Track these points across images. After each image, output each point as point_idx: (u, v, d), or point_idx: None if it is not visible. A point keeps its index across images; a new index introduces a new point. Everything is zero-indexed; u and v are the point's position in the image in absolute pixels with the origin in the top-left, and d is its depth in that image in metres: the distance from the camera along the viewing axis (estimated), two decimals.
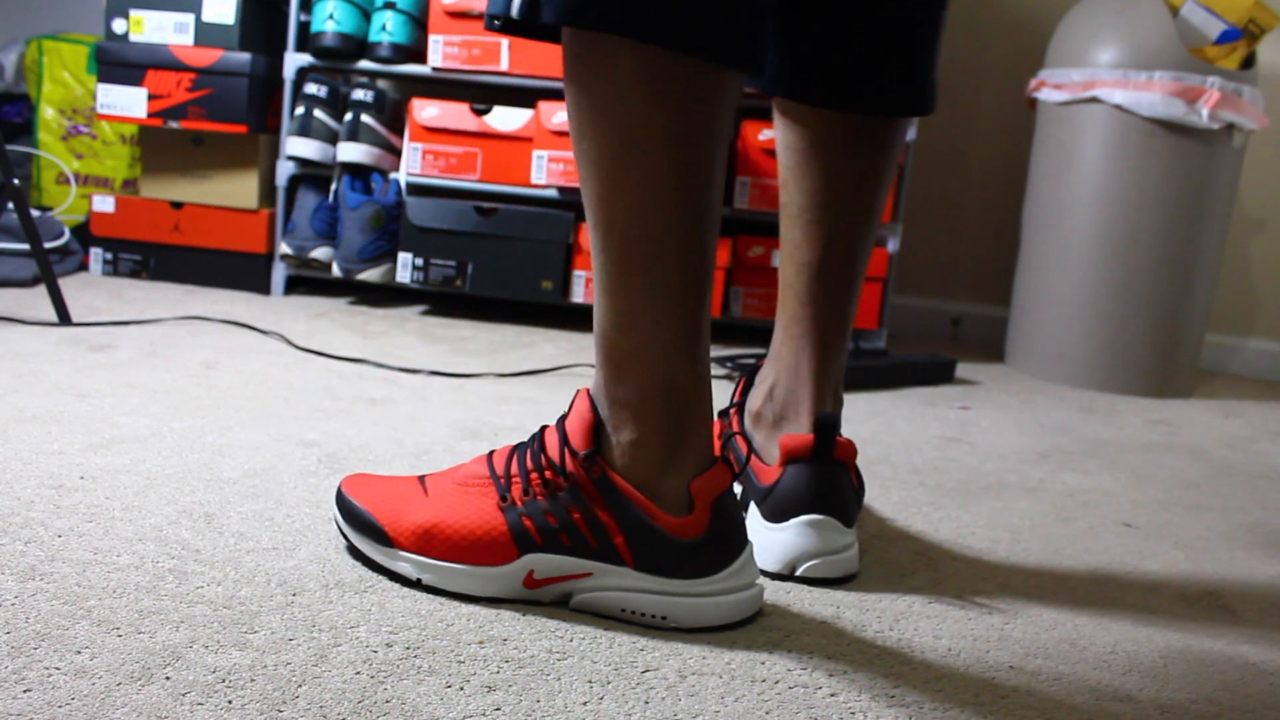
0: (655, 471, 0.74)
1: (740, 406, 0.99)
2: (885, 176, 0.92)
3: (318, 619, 0.71)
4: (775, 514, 0.87)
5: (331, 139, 2.04)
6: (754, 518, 0.90)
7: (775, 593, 0.84)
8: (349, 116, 2.00)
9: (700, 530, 0.74)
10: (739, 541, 0.77)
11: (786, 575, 0.86)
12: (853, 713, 0.66)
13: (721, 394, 1.56)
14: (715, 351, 1.91)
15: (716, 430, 1.07)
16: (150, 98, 2.00)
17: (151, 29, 2.01)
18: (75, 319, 1.63)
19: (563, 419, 0.77)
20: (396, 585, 0.78)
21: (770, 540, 0.87)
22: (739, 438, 0.96)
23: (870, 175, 0.91)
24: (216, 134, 2.06)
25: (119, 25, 2.02)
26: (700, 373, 0.75)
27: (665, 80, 0.68)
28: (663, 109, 0.68)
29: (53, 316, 1.64)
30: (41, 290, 1.86)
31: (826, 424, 0.87)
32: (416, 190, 2.05)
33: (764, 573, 0.87)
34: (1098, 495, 1.21)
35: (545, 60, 1.93)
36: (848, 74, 0.88)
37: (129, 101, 2.01)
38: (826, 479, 0.87)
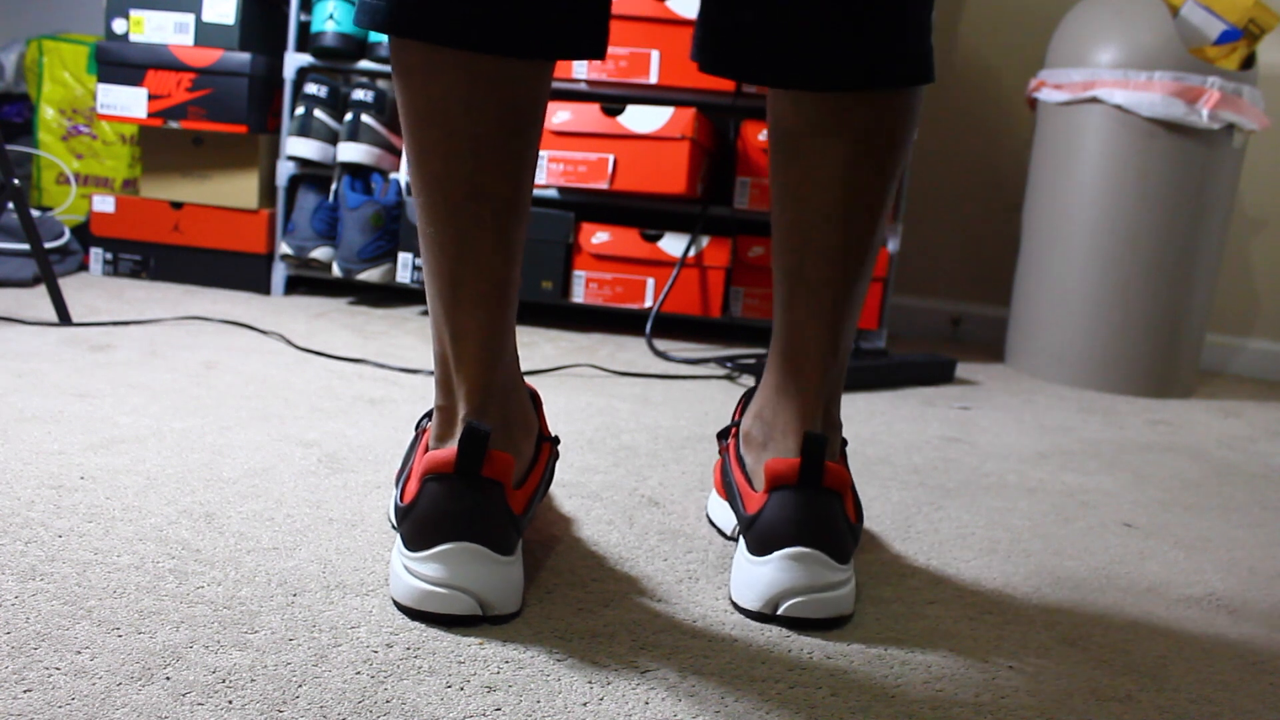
0: (433, 439, 0.80)
1: (738, 426, 0.91)
2: (873, 168, 0.80)
3: (318, 619, 0.71)
4: (758, 546, 0.79)
5: (331, 139, 2.04)
6: (739, 549, 0.82)
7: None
8: (349, 116, 2.00)
9: (407, 499, 0.75)
10: (436, 532, 0.72)
11: (769, 615, 0.78)
12: (853, 712, 0.66)
13: (726, 395, 1.56)
14: (715, 352, 1.91)
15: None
16: (150, 98, 2.00)
17: (151, 29, 2.01)
18: (75, 319, 1.63)
19: None
20: None
21: (752, 575, 0.79)
22: (733, 461, 0.88)
23: (853, 166, 0.80)
24: (216, 134, 2.06)
25: (119, 25, 2.02)
26: (459, 341, 0.77)
27: (398, 60, 0.74)
28: (402, 90, 0.75)
29: (53, 316, 1.64)
30: (41, 290, 1.86)
31: (812, 446, 0.78)
32: None
33: (745, 611, 0.79)
34: (1098, 495, 1.21)
35: None
36: (779, 43, 0.78)
37: (129, 101, 2.01)
38: (814, 508, 0.78)
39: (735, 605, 0.80)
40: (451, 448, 0.74)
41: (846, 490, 0.80)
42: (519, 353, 1.73)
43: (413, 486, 0.75)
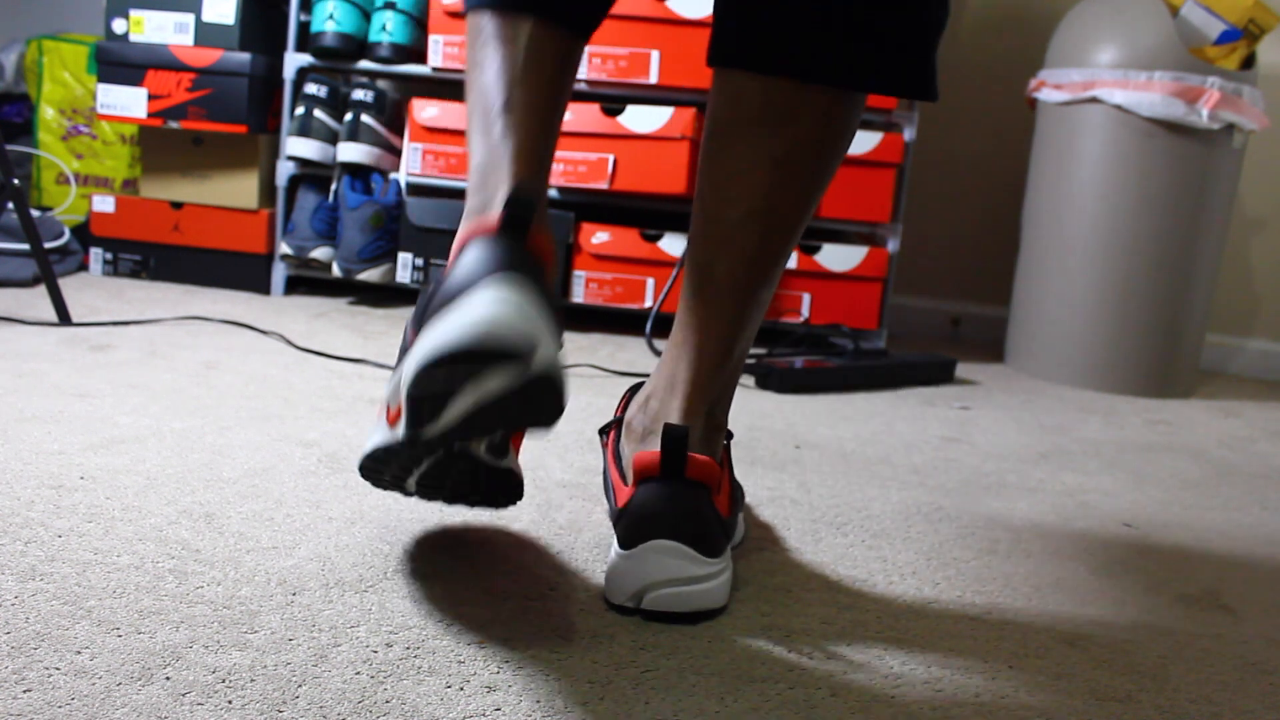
0: (468, 215, 0.82)
1: (620, 422, 0.89)
2: (803, 171, 0.81)
3: (318, 619, 0.71)
4: (626, 539, 0.77)
5: (331, 139, 2.04)
6: (614, 544, 0.80)
7: (771, 594, 0.84)
8: (349, 116, 2.00)
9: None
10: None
11: (633, 608, 0.76)
12: (853, 712, 0.66)
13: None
14: None
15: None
16: (150, 98, 2.00)
17: (151, 29, 2.01)
18: (75, 319, 1.63)
19: None
20: (397, 585, 0.78)
21: (620, 568, 0.77)
22: (609, 456, 0.87)
23: (785, 166, 0.80)
24: (216, 134, 2.06)
25: (119, 25, 2.02)
26: (511, 114, 0.80)
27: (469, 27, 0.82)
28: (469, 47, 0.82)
29: (53, 316, 1.64)
30: (41, 290, 1.86)
31: (672, 438, 0.76)
32: (416, 190, 2.05)
33: (612, 605, 0.78)
34: (1098, 495, 1.21)
35: None
36: (749, 23, 0.79)
37: (129, 101, 2.01)
38: (678, 500, 0.76)
39: (605, 600, 0.79)
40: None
41: (715, 483, 0.79)
42: None
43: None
